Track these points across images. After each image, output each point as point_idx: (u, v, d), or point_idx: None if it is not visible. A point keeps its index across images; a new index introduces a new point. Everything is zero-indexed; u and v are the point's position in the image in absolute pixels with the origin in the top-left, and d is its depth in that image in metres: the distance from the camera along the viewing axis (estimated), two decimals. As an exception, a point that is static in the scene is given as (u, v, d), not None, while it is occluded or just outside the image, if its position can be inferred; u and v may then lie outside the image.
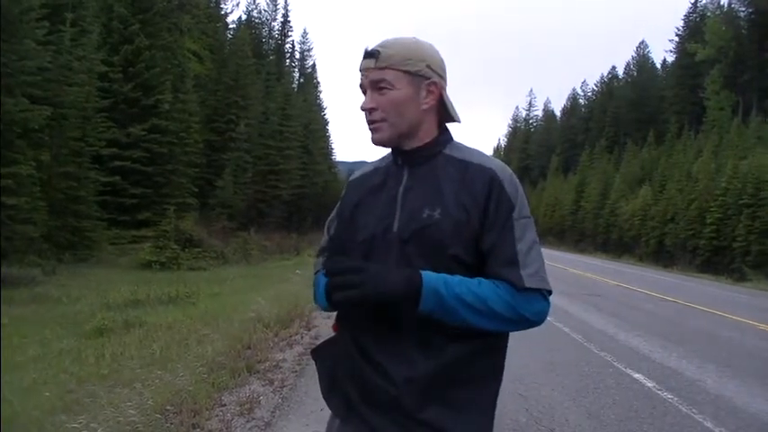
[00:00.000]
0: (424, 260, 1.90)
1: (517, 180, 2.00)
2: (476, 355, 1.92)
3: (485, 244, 1.91)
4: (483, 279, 1.88)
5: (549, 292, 1.96)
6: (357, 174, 2.26)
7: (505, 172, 1.98)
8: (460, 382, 1.91)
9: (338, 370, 2.06)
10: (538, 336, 10.85)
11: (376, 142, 2.03)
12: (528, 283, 1.88)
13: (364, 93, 2.02)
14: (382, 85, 1.97)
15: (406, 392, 1.87)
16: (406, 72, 1.97)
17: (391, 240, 1.95)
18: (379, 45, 2.00)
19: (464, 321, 1.84)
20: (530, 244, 1.94)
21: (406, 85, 1.97)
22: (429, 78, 1.99)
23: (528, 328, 1.94)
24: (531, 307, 1.90)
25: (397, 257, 1.93)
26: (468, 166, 1.99)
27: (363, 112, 2.02)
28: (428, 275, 1.82)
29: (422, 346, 1.90)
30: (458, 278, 1.85)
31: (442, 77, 2.04)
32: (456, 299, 1.82)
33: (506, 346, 2.05)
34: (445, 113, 2.08)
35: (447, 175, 1.98)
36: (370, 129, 2.02)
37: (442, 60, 2.05)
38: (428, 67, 1.99)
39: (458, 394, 1.90)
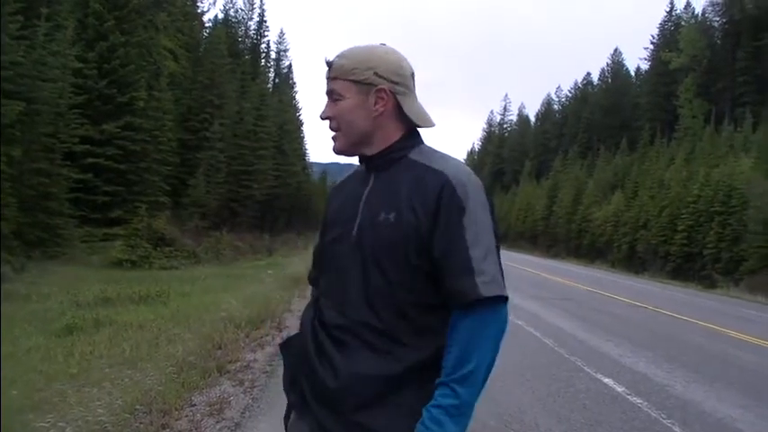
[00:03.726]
0: (379, 263, 1.92)
1: (476, 185, 1.97)
2: (434, 361, 1.90)
3: (435, 251, 1.89)
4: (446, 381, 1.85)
5: (506, 299, 1.91)
6: (338, 181, 2.31)
7: (460, 176, 1.95)
8: (411, 387, 1.90)
9: (297, 365, 2.07)
10: (508, 340, 10.87)
11: (334, 151, 2.07)
12: (485, 292, 1.84)
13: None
14: (335, 96, 2.01)
15: (348, 391, 1.88)
16: (353, 81, 1.99)
17: (351, 244, 1.98)
18: (337, 55, 2.04)
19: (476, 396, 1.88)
20: (486, 249, 1.90)
21: (354, 94, 1.99)
22: (376, 86, 1.99)
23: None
24: (496, 322, 1.90)
25: (355, 261, 1.96)
26: (426, 170, 1.98)
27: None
28: None
29: (376, 350, 1.91)
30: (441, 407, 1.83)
31: (398, 83, 2.02)
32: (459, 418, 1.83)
33: None
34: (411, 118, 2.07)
35: (406, 179, 1.98)
36: (332, 138, 2.07)
37: (399, 66, 2.04)
38: (375, 74, 1.99)
39: (405, 398, 1.90)
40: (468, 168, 2.03)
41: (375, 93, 1.99)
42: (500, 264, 1.95)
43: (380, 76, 1.99)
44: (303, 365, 2.03)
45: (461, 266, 1.86)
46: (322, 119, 2.04)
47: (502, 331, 1.92)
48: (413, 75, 2.09)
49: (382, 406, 1.88)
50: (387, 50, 2.07)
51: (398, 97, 2.02)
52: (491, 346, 1.88)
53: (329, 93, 2.02)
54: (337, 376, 1.90)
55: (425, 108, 2.11)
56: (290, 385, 2.11)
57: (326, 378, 1.92)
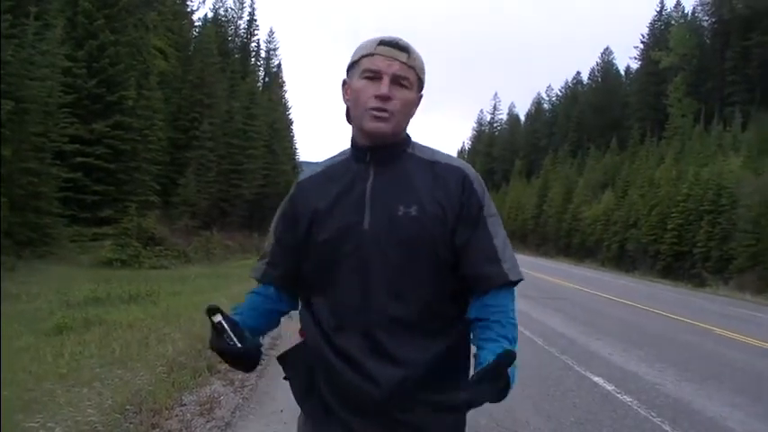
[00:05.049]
0: (404, 258, 1.92)
1: (481, 179, 2.08)
2: (453, 351, 1.97)
3: (458, 240, 1.97)
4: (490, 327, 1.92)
5: (521, 280, 2.06)
6: (306, 175, 2.21)
7: (472, 171, 2.07)
8: (442, 381, 1.92)
9: (312, 373, 2.05)
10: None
11: (377, 131, 1.99)
12: (512, 277, 2.00)
13: (371, 78, 1.99)
14: (404, 82, 2.00)
15: (391, 395, 1.88)
16: (419, 79, 2.05)
17: (362, 238, 1.94)
18: (408, 44, 2.03)
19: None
20: (504, 239, 2.06)
21: (416, 90, 2.05)
22: (421, 91, 2.08)
23: None
24: (514, 302, 2.03)
25: (373, 258, 1.93)
26: (435, 166, 2.03)
27: (370, 98, 1.98)
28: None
29: (406, 347, 1.91)
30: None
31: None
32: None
33: None
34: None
35: (417, 173, 2.00)
36: (377, 116, 1.97)
37: None
38: (423, 73, 2.08)
39: (440, 393, 1.90)
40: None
41: (419, 97, 2.08)
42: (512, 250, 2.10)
43: (423, 73, 2.09)
44: (320, 371, 2.01)
45: (488, 255, 2.00)
46: (383, 96, 1.96)
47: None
48: None
49: (425, 402, 1.89)
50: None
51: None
52: (515, 320, 1.98)
53: (400, 77, 1.99)
54: (377, 382, 1.89)
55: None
56: (305, 395, 2.09)
57: (361, 384, 1.91)
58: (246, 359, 1.98)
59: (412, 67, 2.00)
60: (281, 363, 2.19)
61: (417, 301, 1.92)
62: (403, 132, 2.07)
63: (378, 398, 1.88)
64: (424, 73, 2.07)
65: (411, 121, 2.09)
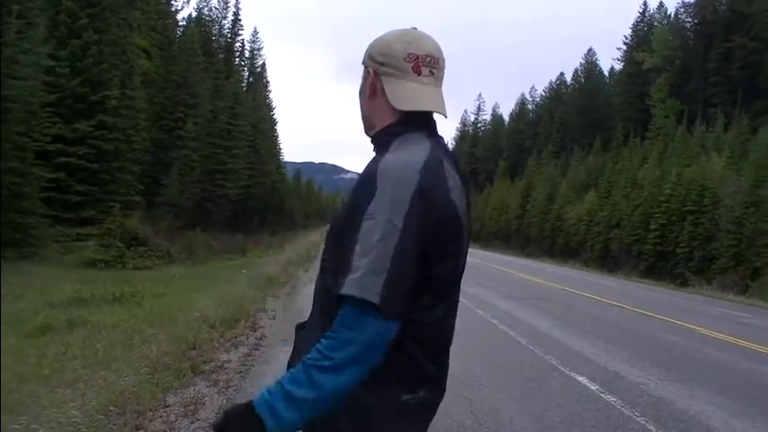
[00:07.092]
0: (331, 251, 1.92)
1: (401, 180, 1.74)
2: None
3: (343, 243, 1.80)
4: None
5: (376, 307, 1.65)
6: None
7: (389, 169, 1.78)
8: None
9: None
10: (483, 339, 10.95)
11: None
12: (344, 290, 1.67)
13: None
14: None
15: None
16: (362, 65, 2.02)
17: None
18: None
19: (322, 403, 1.67)
20: (368, 246, 1.69)
21: (363, 78, 2.02)
22: (366, 67, 1.99)
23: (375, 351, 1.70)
24: (363, 329, 1.68)
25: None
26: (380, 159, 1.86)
27: None
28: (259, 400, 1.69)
29: (305, 340, 1.93)
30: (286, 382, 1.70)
31: (383, 63, 1.92)
32: (289, 400, 1.66)
33: (397, 354, 1.79)
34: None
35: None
36: None
37: (387, 46, 1.93)
38: (369, 56, 1.98)
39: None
40: (414, 162, 1.80)
41: (369, 80, 1.98)
42: (383, 264, 1.69)
43: (370, 57, 1.98)
44: None
45: (345, 262, 1.72)
46: None
47: (369, 342, 1.68)
48: (422, 57, 1.90)
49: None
50: (391, 32, 1.98)
51: (383, 78, 1.93)
52: (354, 352, 1.67)
53: None
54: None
55: None
56: None
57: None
58: None
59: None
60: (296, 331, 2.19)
61: (322, 297, 1.91)
62: (378, 123, 1.99)
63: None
64: (367, 52, 2.00)
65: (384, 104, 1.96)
